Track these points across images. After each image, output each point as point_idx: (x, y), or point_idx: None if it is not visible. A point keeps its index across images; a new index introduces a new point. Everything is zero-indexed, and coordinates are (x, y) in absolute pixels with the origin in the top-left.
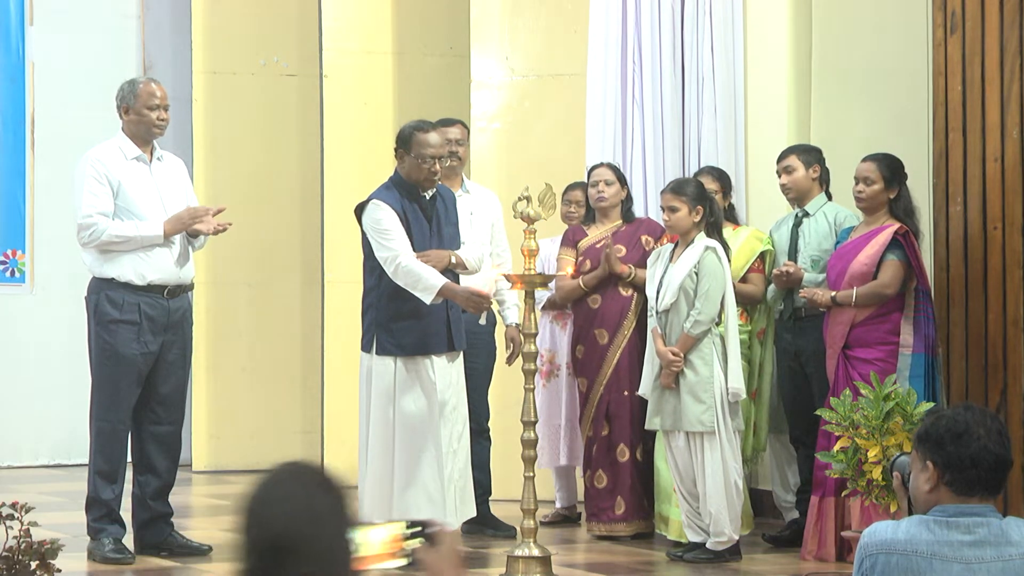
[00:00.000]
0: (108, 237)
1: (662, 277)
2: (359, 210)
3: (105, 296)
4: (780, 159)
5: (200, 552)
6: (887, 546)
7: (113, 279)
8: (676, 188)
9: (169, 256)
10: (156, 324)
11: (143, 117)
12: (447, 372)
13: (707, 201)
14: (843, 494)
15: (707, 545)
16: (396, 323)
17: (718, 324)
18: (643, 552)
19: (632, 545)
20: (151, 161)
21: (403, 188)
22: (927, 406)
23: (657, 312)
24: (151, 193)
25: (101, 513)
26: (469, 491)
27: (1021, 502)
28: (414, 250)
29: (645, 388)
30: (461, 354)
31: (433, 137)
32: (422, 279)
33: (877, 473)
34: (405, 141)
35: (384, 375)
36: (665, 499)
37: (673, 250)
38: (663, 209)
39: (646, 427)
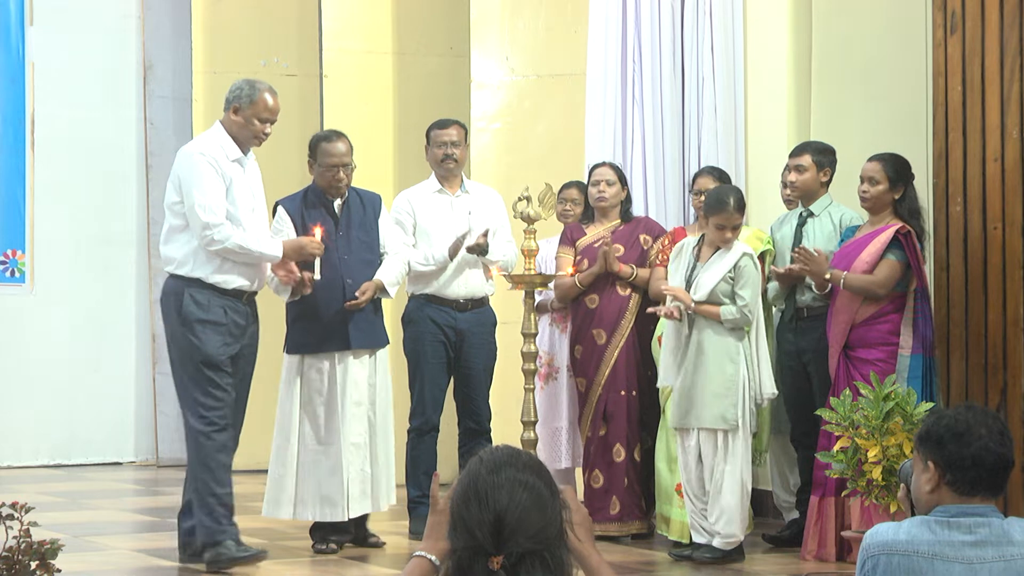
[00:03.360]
0: (232, 245)
1: (689, 275)
2: (273, 211)
3: (190, 296)
4: (794, 155)
5: (258, 558)
6: (888, 547)
7: (199, 279)
8: (737, 207)
9: (255, 265)
10: (236, 328)
11: (251, 125)
12: (354, 369)
13: (742, 210)
14: (843, 494)
15: (714, 543)
16: (296, 323)
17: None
18: (642, 552)
19: (632, 545)
20: (244, 165)
21: (314, 193)
22: (927, 406)
23: (687, 313)
24: (248, 198)
25: (221, 513)
26: (382, 486)
27: (1021, 502)
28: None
29: (666, 379)
30: (381, 352)
31: (336, 147)
32: (272, 282)
33: (877, 473)
34: (312, 151)
35: (290, 371)
36: (666, 499)
37: (698, 247)
38: (715, 227)
39: (671, 425)
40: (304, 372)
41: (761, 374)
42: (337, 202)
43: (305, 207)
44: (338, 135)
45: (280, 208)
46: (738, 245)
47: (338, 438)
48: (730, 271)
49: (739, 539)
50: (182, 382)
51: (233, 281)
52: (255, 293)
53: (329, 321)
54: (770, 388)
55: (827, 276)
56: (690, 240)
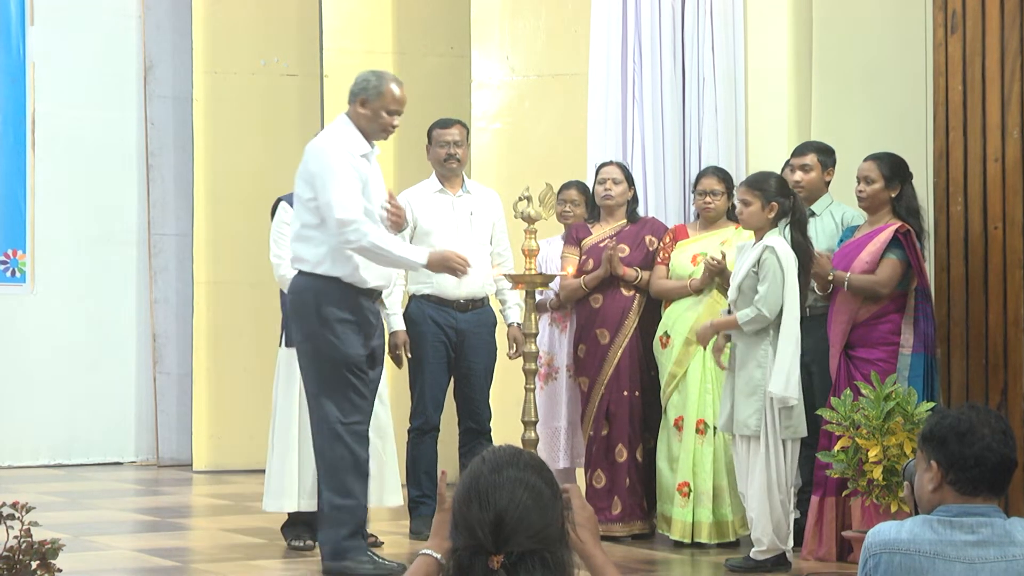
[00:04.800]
0: (368, 244)
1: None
2: (272, 209)
3: (328, 295)
4: (798, 153)
5: (395, 572)
6: (890, 546)
7: (337, 278)
8: (752, 182)
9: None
10: (369, 327)
11: (380, 118)
12: None
13: (786, 197)
14: (844, 494)
15: (750, 554)
16: None
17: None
18: (642, 552)
19: (632, 545)
20: (371, 160)
21: None
22: (927, 406)
23: (729, 311)
24: (379, 193)
25: (352, 529)
26: (390, 480)
27: (1022, 503)
28: None
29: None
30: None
31: None
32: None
33: (878, 473)
34: None
35: (290, 364)
36: (668, 499)
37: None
38: (737, 202)
39: (718, 427)
40: None
41: (773, 373)
42: None
43: None
44: None
45: (283, 203)
46: (767, 238)
47: None
48: (754, 265)
49: (777, 549)
50: (317, 384)
51: (370, 280)
52: (382, 290)
53: None
54: (772, 388)
55: (830, 277)
56: (749, 243)
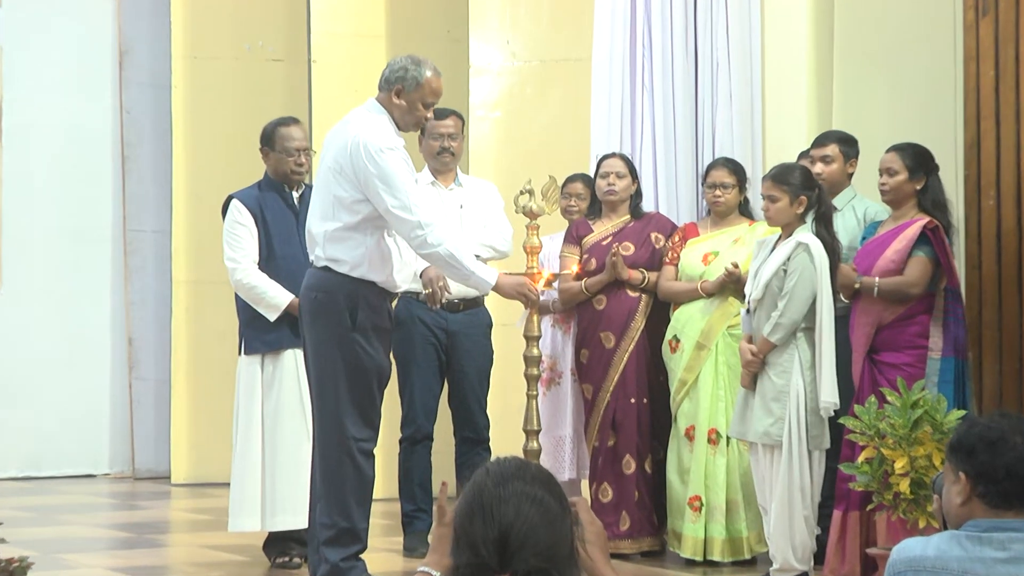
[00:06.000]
0: (444, 252)
1: (758, 271)
2: (224, 208)
3: (364, 299)
4: (818, 144)
5: None
6: (916, 563)
7: (374, 283)
8: (777, 176)
9: (409, 266)
10: (390, 336)
11: (415, 110)
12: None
13: (813, 190)
14: (868, 508)
15: (769, 572)
16: (258, 320)
17: (809, 328)
18: (653, 570)
19: (642, 563)
20: None
21: (269, 185)
22: (958, 414)
23: (747, 310)
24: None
25: (357, 549)
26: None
27: None
28: (278, 245)
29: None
30: None
31: (295, 131)
32: (265, 296)
33: (904, 486)
34: (268, 138)
35: (251, 373)
36: (678, 514)
37: (777, 242)
38: (763, 198)
39: (729, 433)
40: (265, 372)
41: (822, 381)
42: (294, 194)
43: (262, 200)
44: (294, 120)
45: (235, 201)
46: (797, 235)
47: (310, 436)
48: (783, 264)
49: (792, 568)
50: (336, 394)
51: (401, 285)
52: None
53: (291, 318)
54: (828, 397)
55: (856, 284)
56: (770, 239)
